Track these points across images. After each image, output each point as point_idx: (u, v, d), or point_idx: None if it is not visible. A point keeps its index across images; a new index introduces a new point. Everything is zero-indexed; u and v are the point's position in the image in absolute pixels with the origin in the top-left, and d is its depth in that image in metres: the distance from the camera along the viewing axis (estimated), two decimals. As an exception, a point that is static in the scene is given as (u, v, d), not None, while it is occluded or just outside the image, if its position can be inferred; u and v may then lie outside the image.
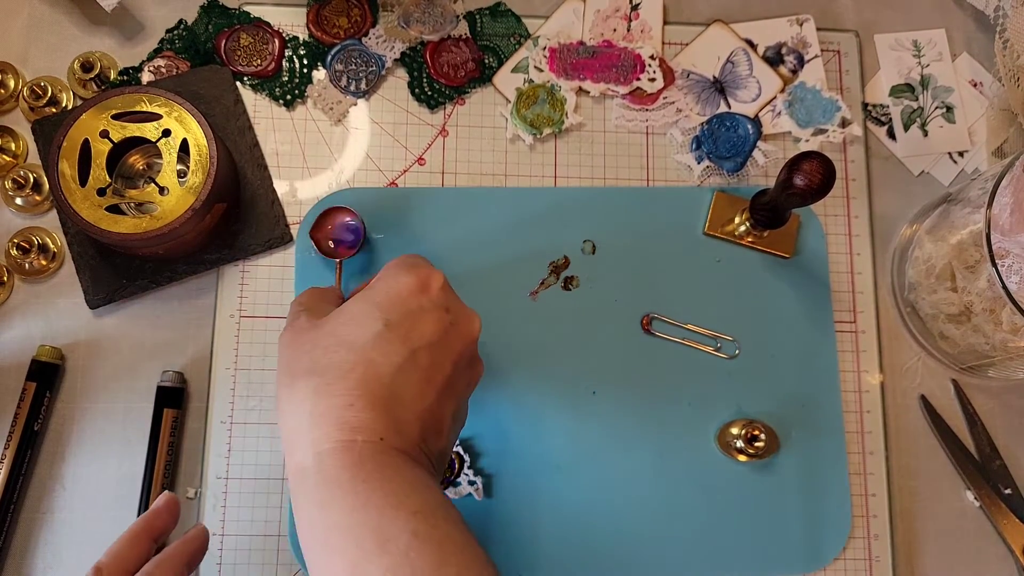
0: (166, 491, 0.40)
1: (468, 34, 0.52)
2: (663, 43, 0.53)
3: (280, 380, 0.35)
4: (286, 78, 0.51)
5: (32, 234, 0.47)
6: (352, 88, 0.51)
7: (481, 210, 0.49)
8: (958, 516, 0.48)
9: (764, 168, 0.52)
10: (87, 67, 0.49)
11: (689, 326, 0.49)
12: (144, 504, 0.44)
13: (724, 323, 0.49)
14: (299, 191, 0.50)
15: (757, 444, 0.46)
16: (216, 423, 0.47)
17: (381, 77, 0.51)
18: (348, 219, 0.48)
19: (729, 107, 0.52)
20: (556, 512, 0.46)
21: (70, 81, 0.50)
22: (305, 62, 0.51)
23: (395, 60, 0.51)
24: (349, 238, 0.48)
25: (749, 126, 0.52)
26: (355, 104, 0.51)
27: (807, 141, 0.52)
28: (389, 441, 0.33)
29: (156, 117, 0.45)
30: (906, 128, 0.53)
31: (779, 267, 0.50)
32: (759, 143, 0.51)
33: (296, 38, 0.51)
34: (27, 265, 0.47)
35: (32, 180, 0.47)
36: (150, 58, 0.50)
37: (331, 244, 0.48)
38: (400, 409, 0.34)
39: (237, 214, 0.49)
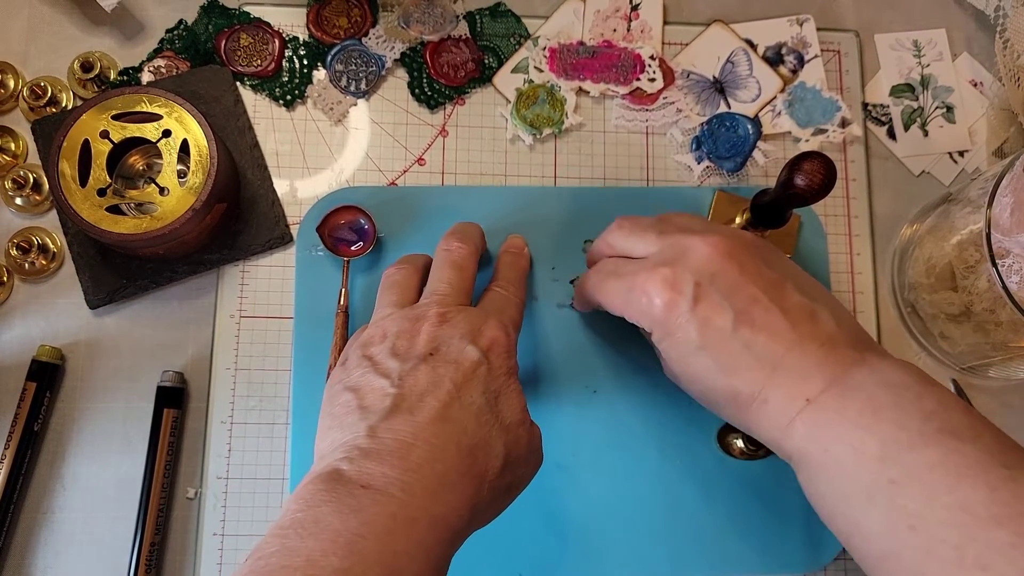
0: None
1: (468, 34, 0.52)
2: (663, 43, 0.53)
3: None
4: (286, 78, 0.51)
5: (32, 234, 0.47)
6: (352, 88, 0.51)
7: (481, 209, 0.49)
8: (958, 516, 0.48)
9: (764, 168, 0.52)
10: (87, 67, 0.49)
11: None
12: (144, 504, 0.44)
13: (724, 323, 0.49)
14: (299, 191, 0.50)
15: (758, 443, 0.46)
16: (216, 423, 0.47)
17: (381, 77, 0.51)
18: (359, 218, 0.48)
19: (729, 107, 0.52)
20: (557, 511, 0.46)
21: (70, 81, 0.50)
22: (305, 62, 0.51)
23: (395, 60, 0.51)
24: (355, 238, 0.48)
25: (749, 126, 0.52)
26: (355, 104, 0.51)
27: (807, 141, 0.52)
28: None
29: (156, 117, 0.45)
30: (906, 128, 0.53)
31: (779, 267, 0.50)
32: (759, 143, 0.51)
33: (296, 38, 0.51)
34: (27, 265, 0.47)
35: (32, 180, 0.48)
36: (150, 58, 0.50)
37: (336, 243, 0.48)
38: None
39: (237, 214, 0.49)
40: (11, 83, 0.50)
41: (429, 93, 0.51)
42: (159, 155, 0.45)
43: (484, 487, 0.33)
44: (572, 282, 0.48)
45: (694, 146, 0.52)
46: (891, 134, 0.53)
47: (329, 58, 0.51)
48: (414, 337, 0.37)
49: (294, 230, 0.49)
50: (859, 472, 0.32)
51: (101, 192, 0.44)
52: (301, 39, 0.51)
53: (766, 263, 0.37)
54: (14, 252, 0.47)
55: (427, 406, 0.34)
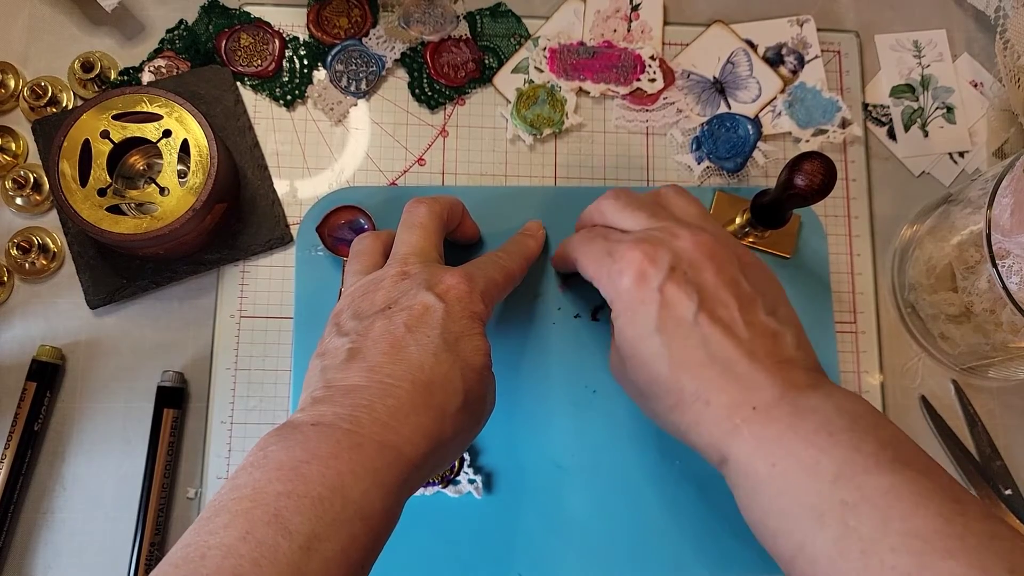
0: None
1: (468, 34, 0.52)
2: (663, 43, 0.53)
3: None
4: (286, 78, 0.51)
5: (32, 234, 0.47)
6: (352, 88, 0.51)
7: (481, 209, 0.49)
8: (958, 516, 0.48)
9: (764, 168, 0.52)
10: (87, 67, 0.49)
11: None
12: (144, 504, 0.44)
13: (724, 323, 0.49)
14: (299, 191, 0.50)
15: None
16: (216, 423, 0.47)
17: (381, 77, 0.51)
18: (359, 218, 0.48)
19: (729, 107, 0.52)
20: (556, 511, 0.46)
21: (70, 81, 0.50)
22: (305, 62, 0.51)
23: (395, 60, 0.51)
24: (355, 238, 0.48)
25: (749, 126, 0.52)
26: (355, 104, 0.51)
27: (807, 141, 0.52)
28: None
29: (156, 117, 0.45)
30: (906, 128, 0.53)
31: (779, 267, 0.50)
32: (759, 143, 0.51)
33: (296, 38, 0.51)
34: (27, 265, 0.47)
35: (32, 180, 0.48)
36: (150, 58, 0.50)
37: (336, 243, 0.48)
38: None
39: (237, 214, 0.49)
40: (11, 83, 0.50)
41: (429, 93, 0.51)
42: (159, 155, 0.45)
43: (446, 421, 0.34)
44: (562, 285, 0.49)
45: (694, 146, 0.52)
46: (891, 134, 0.53)
47: (329, 58, 0.51)
48: (374, 296, 0.37)
49: (294, 230, 0.49)
50: (810, 491, 0.31)
51: (101, 192, 0.44)
52: (301, 39, 0.51)
53: (745, 276, 0.37)
54: (14, 252, 0.47)
55: (379, 350, 0.34)
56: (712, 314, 0.35)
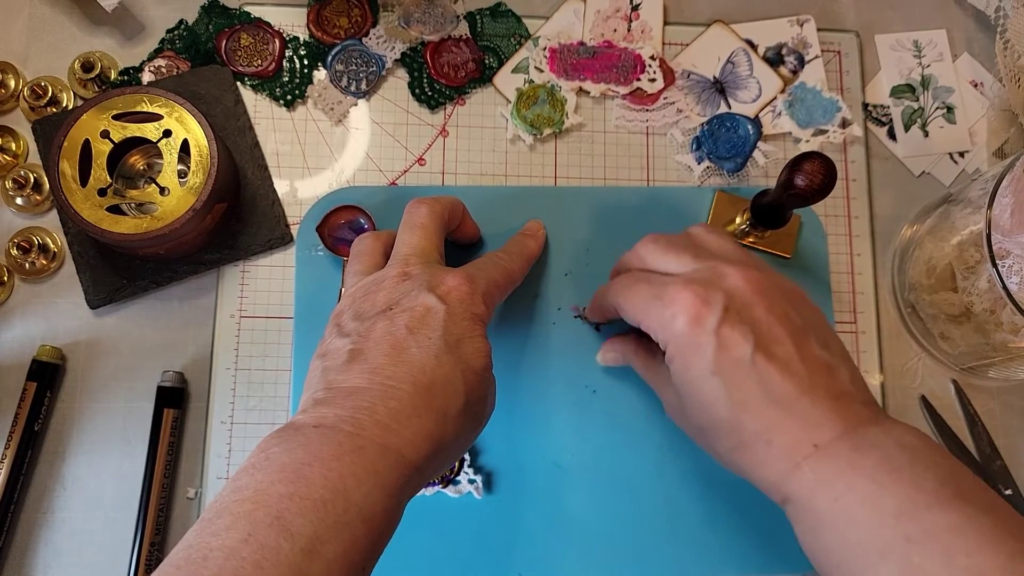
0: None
1: (468, 34, 0.52)
2: (663, 43, 0.53)
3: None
4: (286, 78, 0.51)
5: (32, 234, 0.47)
6: (352, 88, 0.51)
7: (481, 209, 0.49)
8: (958, 516, 0.48)
9: (764, 168, 0.52)
10: (88, 67, 0.49)
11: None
12: (144, 504, 0.44)
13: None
14: (299, 191, 0.50)
15: None
16: (216, 423, 0.47)
17: (381, 77, 0.51)
18: (358, 218, 0.48)
19: (729, 107, 0.52)
20: (556, 511, 0.46)
21: (71, 81, 0.50)
22: (305, 62, 0.51)
23: (395, 60, 0.51)
24: (355, 237, 0.48)
25: (749, 126, 0.52)
26: (355, 104, 0.51)
27: (807, 141, 0.52)
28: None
29: (157, 117, 0.45)
30: (907, 128, 0.53)
31: (780, 267, 0.50)
32: (759, 143, 0.51)
33: (296, 38, 0.51)
34: (27, 265, 0.47)
35: (32, 180, 0.48)
36: (150, 58, 0.50)
37: (336, 243, 0.48)
38: None
39: (238, 214, 0.49)
40: (12, 83, 0.50)
41: (429, 93, 0.51)
42: (159, 155, 0.45)
43: (448, 423, 0.34)
44: (579, 316, 0.48)
45: (694, 146, 0.52)
46: (891, 134, 0.53)
47: (329, 58, 0.51)
48: (375, 296, 0.37)
49: (294, 230, 0.49)
50: (873, 527, 0.31)
51: (102, 192, 0.44)
52: (301, 39, 0.51)
53: (795, 309, 0.37)
54: (14, 252, 0.47)
55: (381, 351, 0.34)
56: (768, 353, 0.35)
